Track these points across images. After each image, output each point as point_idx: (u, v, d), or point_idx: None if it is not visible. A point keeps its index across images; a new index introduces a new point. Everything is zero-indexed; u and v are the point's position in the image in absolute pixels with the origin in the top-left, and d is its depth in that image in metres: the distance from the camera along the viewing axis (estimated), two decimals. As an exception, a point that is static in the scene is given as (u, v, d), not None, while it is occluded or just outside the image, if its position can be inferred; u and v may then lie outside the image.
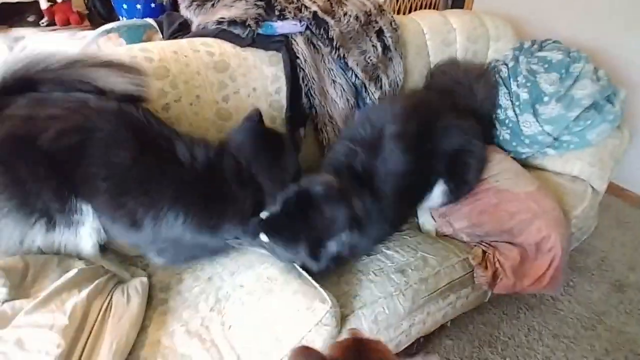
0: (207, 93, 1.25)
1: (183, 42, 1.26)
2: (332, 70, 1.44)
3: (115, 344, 0.84)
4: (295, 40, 1.36)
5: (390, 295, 1.08)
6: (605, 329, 1.52)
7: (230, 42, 1.30)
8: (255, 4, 1.34)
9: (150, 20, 1.64)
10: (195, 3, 1.42)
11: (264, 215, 0.97)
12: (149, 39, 1.64)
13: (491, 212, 1.26)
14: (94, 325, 0.88)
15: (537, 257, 1.24)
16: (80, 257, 1.01)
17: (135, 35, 1.62)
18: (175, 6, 1.72)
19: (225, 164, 1.03)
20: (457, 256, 1.22)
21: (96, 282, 0.95)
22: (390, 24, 1.56)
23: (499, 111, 1.56)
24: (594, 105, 1.46)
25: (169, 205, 0.95)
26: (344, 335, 0.71)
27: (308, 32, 1.39)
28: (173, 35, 1.51)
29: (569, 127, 1.46)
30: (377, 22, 1.53)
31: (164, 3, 1.91)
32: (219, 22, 1.30)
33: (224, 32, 1.31)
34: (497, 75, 1.61)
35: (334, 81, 1.45)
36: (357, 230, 0.99)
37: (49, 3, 2.33)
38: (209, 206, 0.99)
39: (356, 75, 1.46)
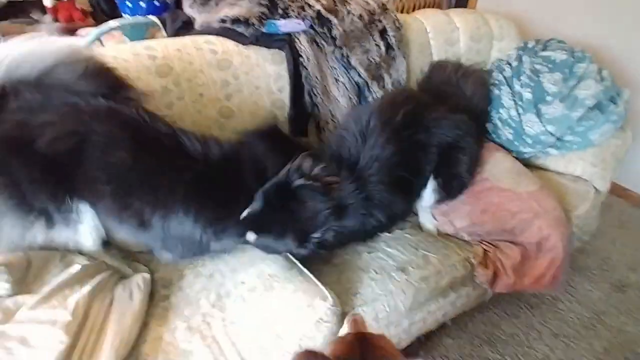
0: (210, 91, 1.25)
1: (186, 40, 1.27)
2: (335, 69, 1.45)
3: (117, 339, 0.85)
4: (298, 39, 1.36)
5: (391, 293, 1.08)
6: (606, 328, 1.52)
7: (234, 40, 1.30)
8: (259, 3, 1.34)
9: (154, 18, 1.64)
10: (198, 1, 1.42)
11: (245, 213, 0.96)
12: (152, 37, 1.65)
13: (492, 212, 1.26)
14: (96, 321, 0.88)
15: (537, 257, 1.24)
16: (82, 253, 1.02)
17: (138, 33, 1.63)
18: (178, 4, 1.72)
19: (243, 161, 1.02)
20: (458, 255, 1.22)
21: (98, 278, 0.96)
22: (394, 23, 1.56)
23: (501, 111, 1.56)
24: (598, 105, 1.46)
25: (180, 202, 0.94)
26: (346, 322, 0.70)
27: (311, 30, 1.39)
28: (176, 33, 1.52)
29: (572, 127, 1.46)
30: (380, 21, 1.53)
31: (168, 1, 1.91)
32: (222, 21, 1.31)
33: (227, 30, 1.31)
34: (500, 74, 1.60)
35: (336, 80, 1.45)
36: (339, 215, 0.98)
37: (53, 1, 2.33)
38: (223, 202, 0.98)
39: (359, 74, 1.46)
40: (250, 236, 0.96)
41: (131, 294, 0.96)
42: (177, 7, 1.78)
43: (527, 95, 1.49)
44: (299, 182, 0.95)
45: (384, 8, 1.56)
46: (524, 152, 1.56)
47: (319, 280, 0.99)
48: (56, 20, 2.44)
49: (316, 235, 0.97)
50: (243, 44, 1.31)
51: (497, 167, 1.37)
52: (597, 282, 1.70)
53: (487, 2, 2.47)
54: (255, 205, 0.96)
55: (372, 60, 1.50)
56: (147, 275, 1.03)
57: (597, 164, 1.52)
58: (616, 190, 2.13)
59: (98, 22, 2.31)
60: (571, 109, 1.44)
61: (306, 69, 1.36)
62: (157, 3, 1.89)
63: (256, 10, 1.32)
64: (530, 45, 1.67)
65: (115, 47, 1.29)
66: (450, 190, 1.27)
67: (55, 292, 0.89)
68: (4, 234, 0.90)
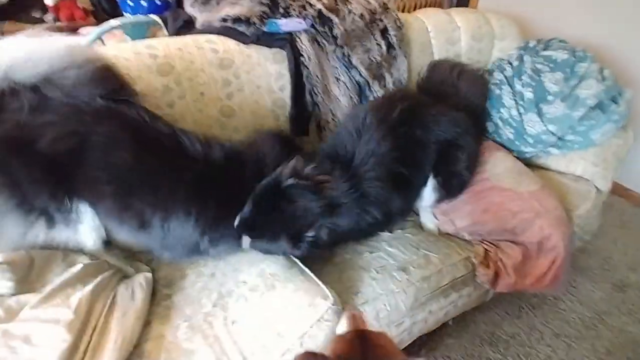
0: (211, 90, 1.25)
1: (188, 39, 1.27)
2: (336, 68, 1.44)
3: (120, 338, 0.85)
4: (299, 38, 1.36)
5: (392, 293, 1.08)
6: (607, 328, 1.52)
7: (235, 39, 1.30)
8: (260, 2, 1.34)
9: (155, 17, 1.64)
10: (199, 0, 1.42)
11: (238, 219, 0.96)
12: (153, 36, 1.65)
13: (494, 211, 1.26)
14: (98, 319, 0.89)
15: (539, 256, 1.24)
16: (84, 253, 1.02)
17: (139, 32, 1.63)
18: (180, 3, 1.72)
19: (245, 163, 1.02)
20: (459, 254, 1.22)
21: (100, 277, 0.96)
22: (395, 22, 1.55)
23: (502, 110, 1.55)
24: (599, 105, 1.46)
25: (180, 202, 0.94)
26: (345, 317, 0.69)
27: (312, 30, 1.39)
28: (178, 32, 1.52)
29: (573, 126, 1.46)
30: (381, 21, 1.53)
31: (169, 0, 1.92)
32: (224, 20, 1.31)
33: (228, 29, 1.31)
34: (502, 74, 1.60)
35: (337, 79, 1.45)
36: (332, 213, 0.98)
37: (54, -1, 2.33)
38: (224, 203, 0.98)
39: (360, 74, 1.46)
40: (245, 241, 0.97)
41: (133, 293, 0.96)
42: (178, 6, 1.79)
43: (529, 94, 1.49)
44: (289, 182, 0.95)
45: (385, 7, 1.56)
46: (525, 152, 1.56)
47: (320, 279, 0.99)
48: (58, 19, 2.45)
49: (309, 234, 0.97)
50: (244, 43, 1.31)
51: (498, 167, 1.37)
52: (598, 282, 1.70)
53: (489, 2, 2.46)
54: (246, 209, 0.96)
55: (373, 60, 1.50)
56: (149, 275, 1.03)
57: (599, 164, 1.52)
58: (618, 190, 2.13)
59: (99, 21, 2.31)
60: (572, 108, 1.44)
61: (307, 68, 1.36)
62: (158, 2, 1.89)
63: (257, 9, 1.32)
64: (531, 44, 1.67)
65: (117, 46, 1.29)
66: (450, 188, 1.27)
67: (58, 291, 0.89)
68: (5, 233, 0.90)
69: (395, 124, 1.14)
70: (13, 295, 0.88)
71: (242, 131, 1.33)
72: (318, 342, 0.90)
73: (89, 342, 0.84)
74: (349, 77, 1.46)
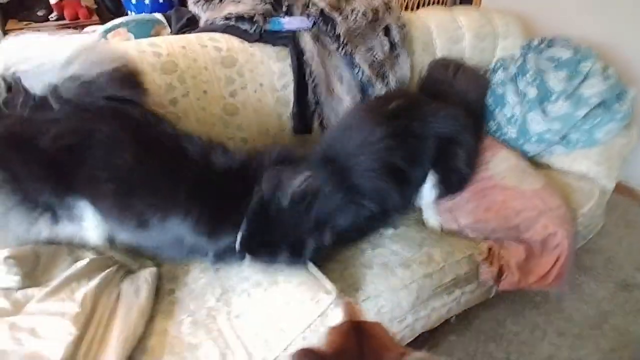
0: (214, 88, 1.26)
1: (191, 37, 1.27)
2: (339, 66, 1.45)
3: (124, 332, 0.86)
4: (302, 37, 1.36)
5: (394, 290, 1.08)
6: (611, 328, 1.51)
7: (238, 37, 1.31)
8: (263, 0, 1.35)
9: (159, 15, 1.65)
10: (203, -2, 1.43)
11: (239, 237, 0.97)
12: (157, 34, 1.66)
13: (497, 209, 1.26)
14: (103, 314, 0.89)
15: (542, 254, 1.23)
16: (89, 248, 1.03)
17: (143, 30, 1.64)
18: (183, 1, 1.73)
19: (250, 173, 1.02)
20: (462, 252, 1.22)
21: (106, 272, 0.97)
22: (398, 20, 1.56)
23: (506, 109, 1.55)
24: (603, 103, 1.45)
25: (179, 204, 0.95)
26: (340, 309, 0.69)
27: (315, 28, 1.40)
28: (181, 31, 1.53)
29: (576, 125, 1.45)
30: (384, 19, 1.53)
31: (172, -2, 1.93)
32: (227, 18, 1.31)
33: (231, 27, 1.31)
34: (505, 72, 1.60)
35: (340, 77, 1.45)
36: (326, 219, 0.99)
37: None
38: (222, 208, 0.98)
39: (363, 72, 1.46)
40: (246, 261, 0.99)
41: (138, 289, 0.97)
42: (181, 5, 1.80)
43: (532, 93, 1.49)
44: (282, 202, 0.95)
45: (388, 6, 1.56)
46: (528, 151, 1.55)
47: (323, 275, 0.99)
48: (62, 17, 2.46)
49: (309, 243, 0.98)
50: (247, 41, 1.31)
51: (501, 165, 1.37)
52: (602, 282, 1.69)
53: (492, 0, 2.46)
54: (242, 230, 0.97)
55: (376, 58, 1.50)
56: (154, 270, 1.04)
57: (602, 163, 1.52)
58: (622, 189, 2.12)
59: (103, 19, 2.33)
60: (576, 107, 1.43)
61: (310, 66, 1.36)
62: (161, 0, 1.91)
63: (260, 8, 1.33)
64: (535, 43, 1.67)
65: (121, 44, 1.30)
66: (449, 185, 1.27)
67: (63, 285, 0.90)
68: (10, 228, 0.91)
69: (390, 115, 1.14)
70: (20, 289, 0.89)
71: (245, 129, 1.34)
72: (321, 337, 0.91)
73: (94, 336, 0.85)
74: (352, 75, 1.47)
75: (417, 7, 2.62)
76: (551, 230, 1.21)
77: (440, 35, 1.68)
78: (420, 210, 1.34)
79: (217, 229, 0.99)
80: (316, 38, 1.40)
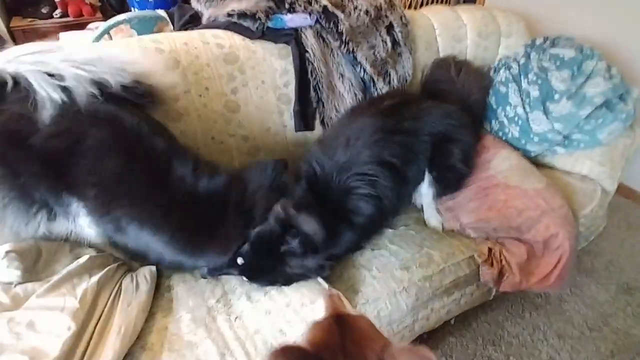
0: (216, 85, 1.25)
1: (193, 34, 1.27)
2: (341, 64, 1.44)
3: (123, 328, 0.86)
4: (304, 34, 1.36)
5: (393, 292, 1.08)
6: (612, 331, 1.50)
7: (240, 34, 1.31)
8: (266, -3, 1.34)
9: (162, 12, 1.65)
10: (206, -5, 1.42)
11: (240, 261, 0.99)
12: (160, 31, 1.66)
13: (499, 208, 1.25)
14: (103, 310, 0.90)
15: (544, 255, 1.23)
16: (90, 245, 1.03)
17: (146, 27, 1.64)
18: (186, -2, 1.73)
19: (231, 197, 1.03)
20: (462, 253, 1.21)
21: (106, 269, 0.97)
22: (401, 18, 1.55)
23: (508, 108, 1.54)
24: (606, 103, 1.44)
25: (156, 219, 0.95)
26: (324, 300, 0.68)
27: (318, 25, 1.39)
28: (184, 27, 1.52)
29: (579, 125, 1.44)
30: (387, 17, 1.53)
31: (175, -5, 1.93)
32: (229, 15, 1.31)
33: (234, 24, 1.31)
34: (508, 72, 1.59)
35: (342, 75, 1.45)
36: (324, 245, 1.00)
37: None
38: (198, 231, 0.99)
39: (365, 70, 1.45)
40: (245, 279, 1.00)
41: (137, 286, 0.97)
42: (184, 1, 1.79)
43: (535, 92, 1.48)
44: (292, 243, 0.97)
45: (390, 4, 1.55)
46: (531, 151, 1.54)
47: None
48: (66, 14, 2.47)
49: (308, 262, 0.99)
50: (250, 39, 1.31)
51: (503, 164, 1.36)
52: (603, 284, 1.68)
53: (496, -1, 2.44)
54: (243, 257, 0.99)
55: (378, 56, 1.49)
56: (154, 268, 1.04)
57: (605, 163, 1.50)
58: (624, 191, 2.10)
59: (106, 16, 2.33)
60: (579, 107, 1.42)
61: (312, 64, 1.36)
62: (164, -2, 1.90)
63: (263, 5, 1.32)
64: (538, 42, 1.65)
65: (124, 41, 1.30)
66: (446, 182, 1.26)
67: (64, 281, 0.90)
68: (7, 224, 0.92)
69: (383, 111, 1.15)
70: (20, 283, 0.90)
71: (247, 126, 1.33)
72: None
73: (93, 332, 0.85)
74: (354, 73, 1.46)
75: (420, 6, 2.61)
76: (553, 231, 1.20)
77: (443, 33, 1.67)
78: (420, 209, 1.34)
79: (195, 248, 1.00)
80: (318, 35, 1.39)
